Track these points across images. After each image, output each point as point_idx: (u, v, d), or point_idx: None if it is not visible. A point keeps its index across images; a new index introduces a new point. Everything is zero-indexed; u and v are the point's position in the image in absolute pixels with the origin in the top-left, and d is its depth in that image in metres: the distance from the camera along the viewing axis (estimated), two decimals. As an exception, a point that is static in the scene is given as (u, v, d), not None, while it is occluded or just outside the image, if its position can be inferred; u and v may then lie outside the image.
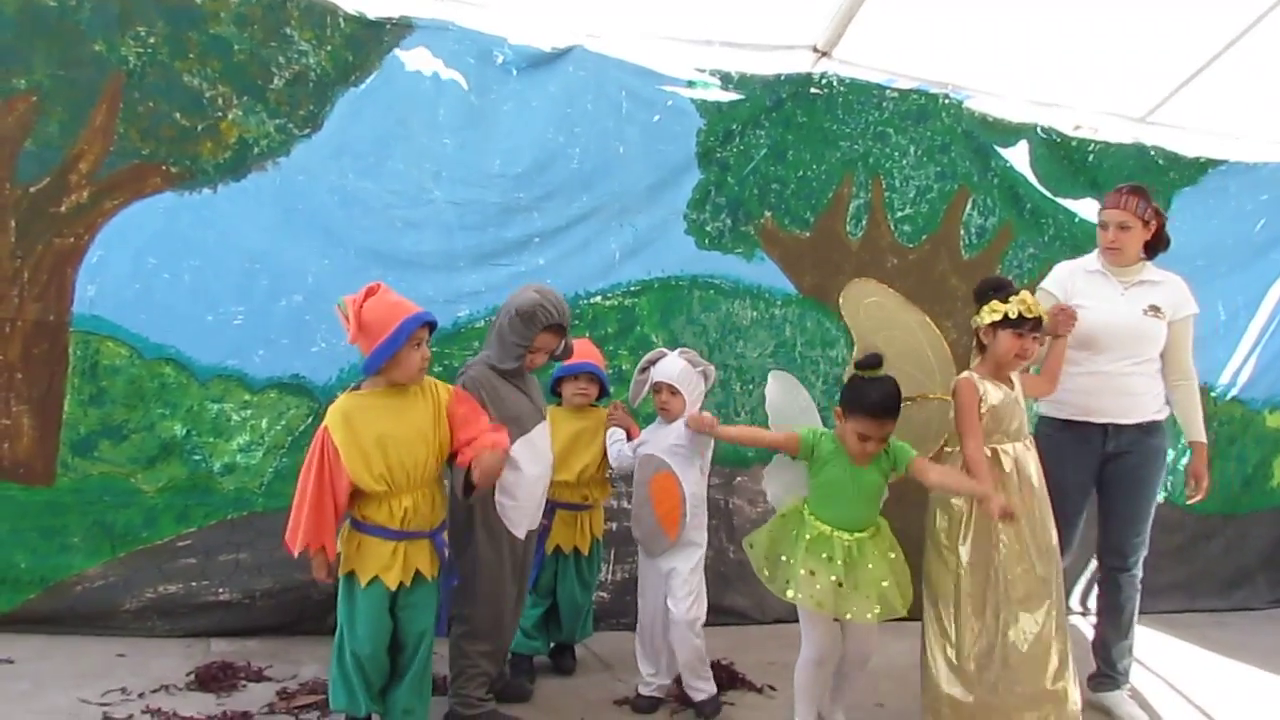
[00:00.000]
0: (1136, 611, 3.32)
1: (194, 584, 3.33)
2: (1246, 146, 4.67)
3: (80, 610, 3.23)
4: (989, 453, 2.85)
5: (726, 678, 3.29)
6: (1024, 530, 2.87)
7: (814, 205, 4.05)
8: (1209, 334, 4.65)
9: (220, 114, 3.29)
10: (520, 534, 2.79)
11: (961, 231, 4.28)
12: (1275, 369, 4.77)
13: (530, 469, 2.76)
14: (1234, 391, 4.73)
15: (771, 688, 3.25)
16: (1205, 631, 4.35)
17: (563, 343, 2.86)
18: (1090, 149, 4.43)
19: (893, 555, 2.81)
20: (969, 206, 4.28)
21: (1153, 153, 4.52)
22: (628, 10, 3.69)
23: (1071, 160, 4.41)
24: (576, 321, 3.55)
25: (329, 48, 3.39)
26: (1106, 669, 3.35)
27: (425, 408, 2.56)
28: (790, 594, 2.71)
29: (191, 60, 3.25)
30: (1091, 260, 3.32)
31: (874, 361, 2.75)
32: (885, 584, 2.70)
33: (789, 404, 2.95)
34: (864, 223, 4.12)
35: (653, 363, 3.00)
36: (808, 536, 2.74)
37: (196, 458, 3.32)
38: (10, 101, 3.10)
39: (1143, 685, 3.65)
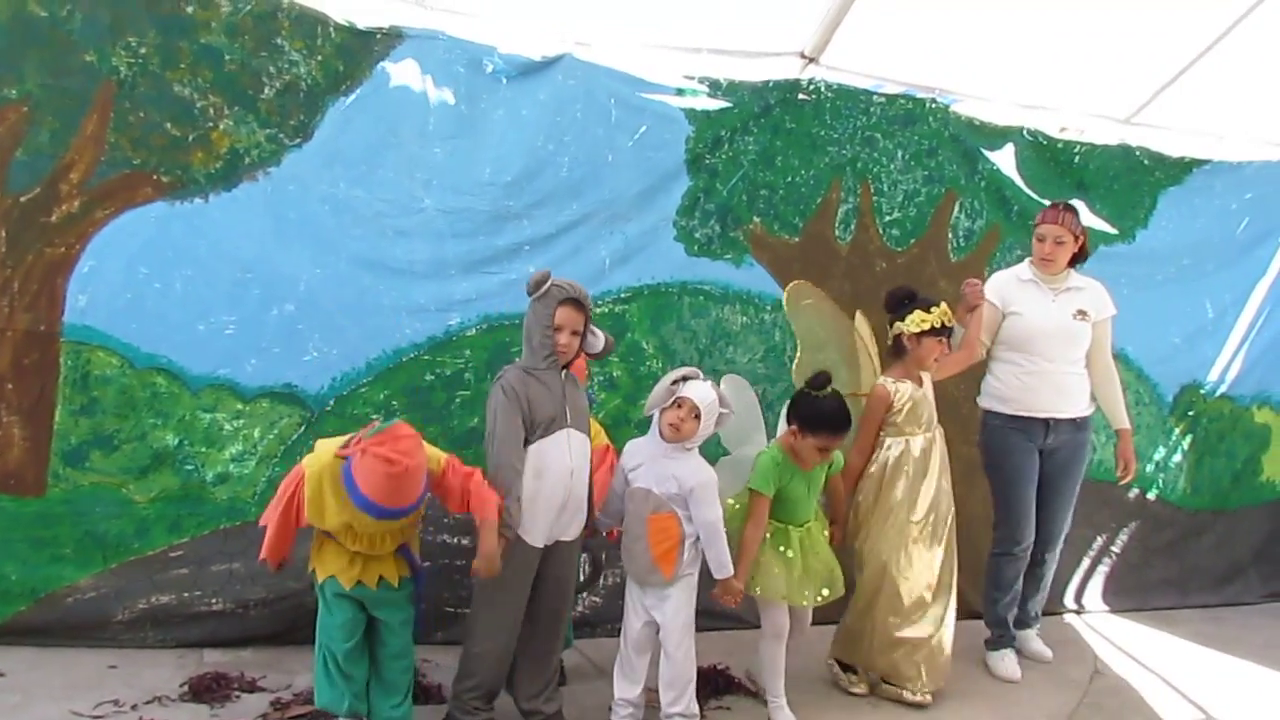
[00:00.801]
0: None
1: (186, 594, 3.30)
2: (1230, 146, 4.73)
3: (71, 621, 3.20)
4: (903, 445, 3.29)
5: (722, 682, 3.30)
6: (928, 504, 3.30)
7: (803, 210, 4.06)
8: (1197, 331, 4.71)
9: (211, 123, 3.29)
10: (534, 540, 2.75)
11: (949, 234, 4.31)
12: (1262, 365, 4.81)
13: (531, 477, 2.72)
14: (1222, 388, 4.77)
15: (768, 690, 3.25)
16: (1198, 627, 4.37)
17: (596, 333, 2.87)
18: (1076, 150, 4.47)
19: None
20: (956, 209, 4.30)
21: (1138, 153, 4.56)
22: (617, 19, 3.71)
23: (1058, 162, 4.45)
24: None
25: (319, 57, 3.40)
26: (1020, 615, 3.74)
27: None
28: (757, 590, 3.03)
29: (183, 70, 3.25)
30: (1024, 270, 3.66)
31: (824, 380, 3.05)
32: (832, 570, 3.13)
33: (736, 402, 3.04)
34: (853, 227, 4.14)
35: (686, 379, 2.87)
36: (768, 534, 3.06)
37: (189, 467, 3.31)
38: (1, 111, 3.10)
39: (1137, 681, 3.67)
